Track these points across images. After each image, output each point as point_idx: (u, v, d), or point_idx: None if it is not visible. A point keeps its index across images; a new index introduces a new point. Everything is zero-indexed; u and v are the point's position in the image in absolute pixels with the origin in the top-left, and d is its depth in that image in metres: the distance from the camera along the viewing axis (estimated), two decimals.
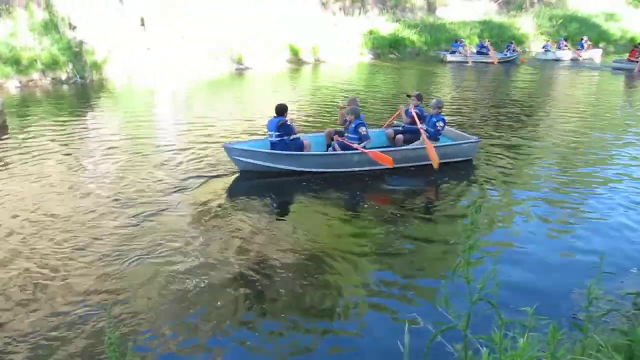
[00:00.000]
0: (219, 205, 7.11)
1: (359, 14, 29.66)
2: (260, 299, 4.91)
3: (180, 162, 8.94)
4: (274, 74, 21.85)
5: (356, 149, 8.45)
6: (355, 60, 25.81)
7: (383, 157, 8.26)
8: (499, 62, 25.77)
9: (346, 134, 8.83)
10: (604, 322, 4.30)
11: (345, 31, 27.10)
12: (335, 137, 9.02)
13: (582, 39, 30.13)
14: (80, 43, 18.76)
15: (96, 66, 18.60)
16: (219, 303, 4.80)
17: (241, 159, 8.33)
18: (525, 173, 8.99)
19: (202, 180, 8.08)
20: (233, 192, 7.84)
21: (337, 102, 9.68)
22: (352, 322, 4.66)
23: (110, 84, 17.96)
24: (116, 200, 7.21)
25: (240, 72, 21.71)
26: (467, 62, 25.71)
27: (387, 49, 27.67)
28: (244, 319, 4.64)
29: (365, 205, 7.75)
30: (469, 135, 9.47)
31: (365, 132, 8.65)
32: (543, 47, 29.63)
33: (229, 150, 8.33)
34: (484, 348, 2.27)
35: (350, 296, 5.06)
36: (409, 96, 9.74)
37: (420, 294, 5.12)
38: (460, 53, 26.56)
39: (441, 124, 9.14)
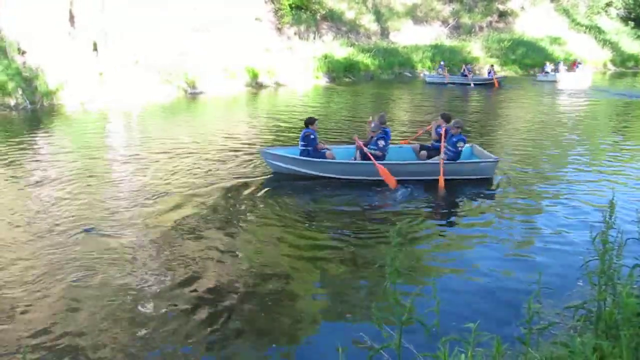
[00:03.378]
0: (169, 229, 7.06)
1: (314, 38, 30.08)
2: (205, 320, 4.87)
3: (131, 184, 8.89)
4: (231, 97, 21.88)
5: (371, 161, 9.09)
6: (311, 83, 26.10)
7: (389, 176, 8.82)
8: (475, 84, 27.32)
9: (369, 146, 9.45)
10: (553, 335, 4.45)
11: (301, 55, 27.45)
12: (357, 142, 9.63)
13: (576, 62, 32.66)
14: (30, 68, 18.37)
15: (47, 91, 18.20)
16: (166, 327, 4.75)
17: (273, 162, 9.59)
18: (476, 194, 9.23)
19: (154, 200, 8.08)
20: (183, 218, 7.78)
21: (368, 118, 10.35)
22: (300, 340, 4.69)
23: (62, 109, 17.59)
24: (53, 226, 7.08)
25: (194, 96, 21.63)
26: (445, 84, 27.29)
27: (342, 72, 28.10)
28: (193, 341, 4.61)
29: (350, 217, 7.81)
30: (488, 154, 9.70)
31: (381, 146, 9.36)
32: (543, 69, 31.78)
33: (264, 154, 9.71)
34: None
35: (302, 314, 5.08)
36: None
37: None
38: (439, 74, 27.98)
39: (462, 143, 9.43)
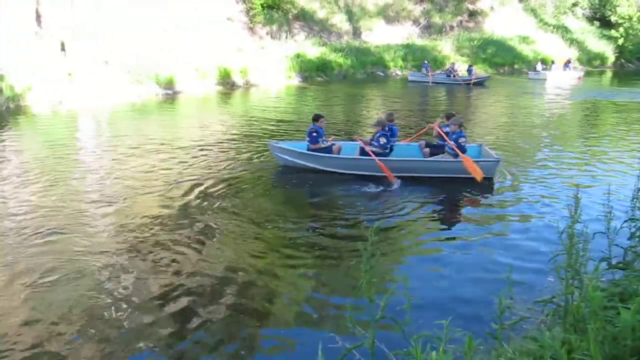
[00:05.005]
0: (135, 228, 6.98)
1: (286, 38, 30.04)
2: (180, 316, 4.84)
3: (102, 184, 8.76)
4: (203, 97, 21.72)
5: (370, 156, 9.39)
6: (283, 83, 26.07)
7: (387, 171, 9.12)
8: (459, 84, 27.97)
9: (372, 142, 9.79)
10: (524, 330, 4.53)
11: (273, 55, 27.38)
12: (360, 143, 10.00)
13: (569, 61, 34.13)
14: None
15: (14, 93, 17.77)
16: (131, 333, 4.69)
17: (281, 155, 10.07)
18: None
19: (127, 199, 8.01)
20: (153, 218, 7.71)
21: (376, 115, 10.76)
22: (272, 343, 4.68)
23: (29, 111, 17.21)
24: (19, 229, 6.93)
25: (166, 96, 21.40)
26: (428, 82, 27.96)
27: (314, 72, 28.13)
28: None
29: (341, 211, 7.90)
30: (492, 153, 9.89)
31: (382, 143, 9.61)
32: (535, 68, 33.12)
33: (272, 147, 10.21)
34: None
35: (275, 315, 5.06)
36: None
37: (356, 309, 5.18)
38: (423, 74, 28.57)
39: (463, 139, 9.63)
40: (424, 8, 38.96)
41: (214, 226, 7.22)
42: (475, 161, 9.51)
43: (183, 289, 5.44)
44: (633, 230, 5.00)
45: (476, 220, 7.84)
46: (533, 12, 46.03)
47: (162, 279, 5.66)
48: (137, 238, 6.75)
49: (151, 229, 7.05)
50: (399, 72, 31.76)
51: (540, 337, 3.18)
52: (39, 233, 6.80)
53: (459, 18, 40.73)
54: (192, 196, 8.41)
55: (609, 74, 39.49)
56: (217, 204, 8.07)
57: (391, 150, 10.10)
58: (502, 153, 11.56)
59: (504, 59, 36.50)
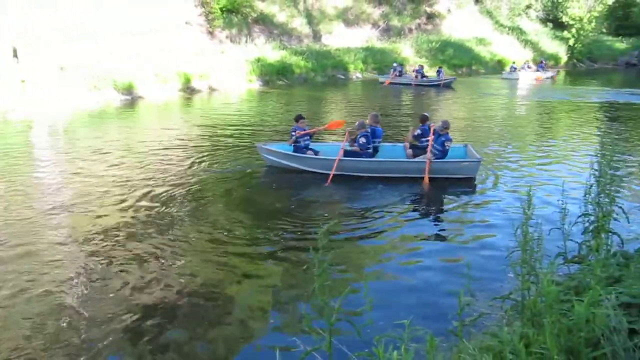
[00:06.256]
0: (92, 238, 6.83)
1: (246, 42, 29.90)
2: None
3: (56, 194, 8.53)
4: (163, 103, 21.39)
5: (350, 157, 9.81)
6: (244, 87, 25.92)
7: (333, 171, 9.51)
8: (421, 85, 28.33)
9: (354, 143, 10.15)
10: (485, 326, 4.60)
11: (233, 59, 27.21)
12: (344, 143, 10.24)
13: (542, 61, 35.97)
14: None
15: None
16: (91, 339, 4.59)
17: (267, 156, 10.47)
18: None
19: (84, 209, 7.80)
20: (109, 227, 7.56)
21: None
22: (232, 347, 4.64)
23: None
24: None
25: (125, 102, 21.00)
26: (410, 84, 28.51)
27: (275, 75, 28.06)
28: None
29: (301, 213, 7.79)
30: (476, 154, 10.04)
31: (361, 143, 9.91)
32: (510, 68, 34.43)
33: (260, 149, 10.58)
34: None
35: (235, 319, 5.03)
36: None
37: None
38: (393, 76, 29.12)
39: (449, 143, 9.86)
40: (383, 11, 39.37)
41: (174, 234, 7.12)
42: (460, 161, 9.84)
43: (139, 300, 5.35)
44: (587, 225, 5.15)
45: (443, 220, 7.98)
46: (489, 14, 47.08)
47: (118, 291, 5.54)
48: (92, 248, 6.60)
49: (107, 238, 6.90)
50: (359, 75, 31.98)
51: (500, 333, 3.24)
52: None
53: (417, 21, 41.31)
54: (149, 204, 8.28)
55: (562, 73, 40.63)
56: (176, 211, 7.96)
57: (376, 151, 10.37)
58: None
59: (462, 61, 37.20)
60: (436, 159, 9.78)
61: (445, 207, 8.75)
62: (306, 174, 10.00)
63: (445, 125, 9.95)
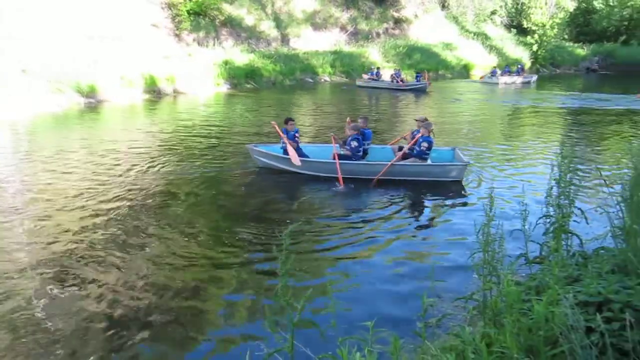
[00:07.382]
0: (57, 246, 6.69)
1: (214, 45, 29.70)
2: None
3: (17, 200, 8.31)
4: (129, 106, 21.04)
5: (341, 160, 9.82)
6: (212, 90, 25.73)
7: (339, 174, 9.49)
8: (408, 89, 28.77)
9: (345, 145, 10.25)
10: (449, 327, 4.65)
11: (201, 62, 26.98)
12: (333, 143, 10.47)
13: (519, 66, 37.33)
14: None
15: None
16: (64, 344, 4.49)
17: (258, 157, 10.58)
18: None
19: (47, 215, 7.61)
20: (74, 233, 7.42)
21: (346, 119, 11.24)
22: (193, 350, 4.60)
23: None
24: None
25: (89, 105, 20.58)
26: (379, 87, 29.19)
27: (243, 79, 27.94)
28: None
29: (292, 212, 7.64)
30: (463, 157, 10.08)
31: (353, 146, 10.03)
32: (491, 72, 35.46)
33: (251, 150, 10.69)
34: None
35: (198, 324, 4.98)
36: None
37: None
38: (374, 79, 29.74)
39: (425, 144, 9.86)
40: (351, 15, 39.60)
41: (139, 239, 7.02)
42: (447, 165, 9.94)
43: (108, 307, 5.26)
44: (548, 226, 5.27)
45: (417, 223, 8.03)
46: (455, 19, 47.84)
47: (84, 298, 5.45)
48: (57, 255, 6.46)
49: (71, 245, 6.76)
50: (327, 79, 32.09)
51: (462, 333, 3.29)
52: None
53: (385, 25, 41.69)
54: (113, 208, 8.15)
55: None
56: (142, 216, 7.85)
57: (366, 153, 10.50)
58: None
59: (429, 65, 37.62)
60: (413, 157, 9.93)
61: (422, 210, 8.82)
62: (288, 173, 10.12)
63: (426, 126, 10.01)
